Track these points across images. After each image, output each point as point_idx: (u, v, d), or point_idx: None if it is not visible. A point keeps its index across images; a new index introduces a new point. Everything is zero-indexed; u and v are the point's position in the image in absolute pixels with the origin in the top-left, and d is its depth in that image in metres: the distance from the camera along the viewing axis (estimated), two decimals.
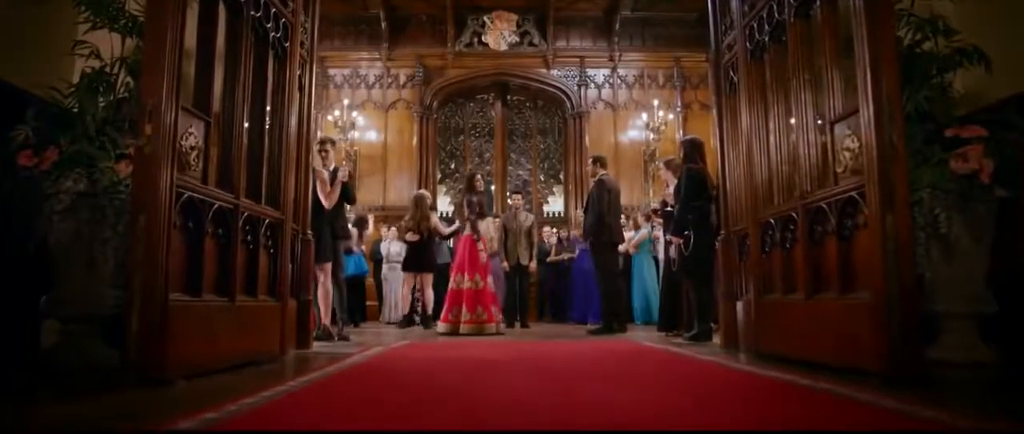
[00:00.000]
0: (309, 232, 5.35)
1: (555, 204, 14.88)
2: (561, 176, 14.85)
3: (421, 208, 9.32)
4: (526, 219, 9.71)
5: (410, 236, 9.25)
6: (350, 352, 4.91)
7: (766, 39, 4.62)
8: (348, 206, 7.10)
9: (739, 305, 5.21)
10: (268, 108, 4.47)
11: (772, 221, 4.46)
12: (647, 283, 10.32)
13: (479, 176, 8.70)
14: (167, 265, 3.05)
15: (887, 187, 3.14)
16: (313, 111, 5.44)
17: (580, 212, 12.04)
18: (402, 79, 14.34)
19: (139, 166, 3.08)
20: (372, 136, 14.15)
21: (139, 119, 3.08)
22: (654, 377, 3.48)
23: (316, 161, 6.52)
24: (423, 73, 14.25)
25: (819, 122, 3.98)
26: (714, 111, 5.67)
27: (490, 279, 8.08)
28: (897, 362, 3.07)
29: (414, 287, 9.72)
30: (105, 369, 3.37)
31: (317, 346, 5.54)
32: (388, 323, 11.10)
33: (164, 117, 3.08)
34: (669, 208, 7.03)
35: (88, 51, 4.04)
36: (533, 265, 9.88)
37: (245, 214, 3.98)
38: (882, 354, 3.12)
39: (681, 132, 13.91)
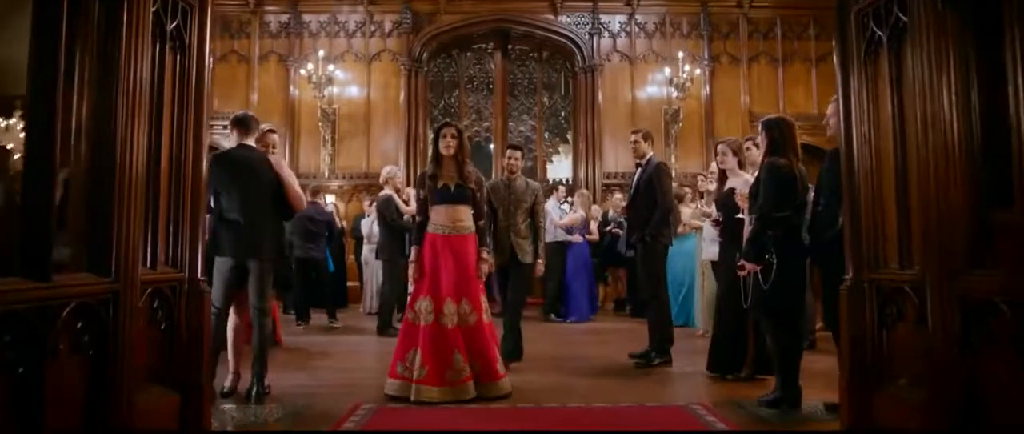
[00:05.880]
0: (201, 279, 3.36)
1: (561, 166, 13.17)
2: (569, 136, 13.15)
3: None
4: (526, 188, 5.99)
5: None
6: None
7: None
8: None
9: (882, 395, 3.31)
10: (78, 92, 2.46)
11: (999, 304, 2.46)
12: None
13: (453, 128, 4.89)
14: None
15: None
16: (206, 93, 3.34)
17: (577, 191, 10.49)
18: (387, 26, 12.63)
19: None
20: (353, 92, 12.52)
21: None
22: None
23: None
24: (411, 19, 12.52)
25: None
26: (838, 80, 3.63)
27: (484, 304, 4.81)
28: None
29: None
30: None
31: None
32: (369, 314, 9.66)
33: None
34: (740, 217, 4.94)
35: None
36: (541, 265, 6.03)
37: None
38: None
39: (707, 88, 12.50)
